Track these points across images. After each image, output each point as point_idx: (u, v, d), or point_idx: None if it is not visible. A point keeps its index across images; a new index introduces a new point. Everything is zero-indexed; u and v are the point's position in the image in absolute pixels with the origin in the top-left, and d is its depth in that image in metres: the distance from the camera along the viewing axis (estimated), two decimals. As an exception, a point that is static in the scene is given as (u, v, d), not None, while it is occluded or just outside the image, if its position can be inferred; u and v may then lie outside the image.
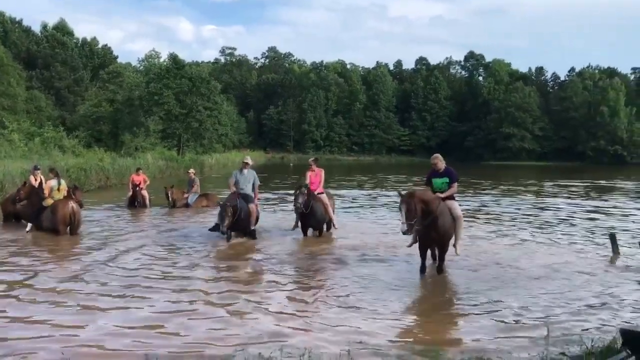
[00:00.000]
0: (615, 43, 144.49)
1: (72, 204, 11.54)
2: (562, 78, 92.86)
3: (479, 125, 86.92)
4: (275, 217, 14.77)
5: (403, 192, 7.92)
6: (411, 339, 5.79)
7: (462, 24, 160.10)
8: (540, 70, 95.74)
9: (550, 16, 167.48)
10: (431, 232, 8.08)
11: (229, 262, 9.22)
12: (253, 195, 11.60)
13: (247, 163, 11.77)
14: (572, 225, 14.24)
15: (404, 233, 7.68)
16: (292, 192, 12.72)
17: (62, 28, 57.99)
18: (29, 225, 11.96)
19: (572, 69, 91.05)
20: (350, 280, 8.03)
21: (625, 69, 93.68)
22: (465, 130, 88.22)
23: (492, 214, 16.30)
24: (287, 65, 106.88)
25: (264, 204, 16.35)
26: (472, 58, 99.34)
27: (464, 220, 9.23)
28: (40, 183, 12.86)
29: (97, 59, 59.06)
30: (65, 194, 11.94)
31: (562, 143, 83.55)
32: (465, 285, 7.89)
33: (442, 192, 8.40)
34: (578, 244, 11.35)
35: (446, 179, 8.54)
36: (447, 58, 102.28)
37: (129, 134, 38.66)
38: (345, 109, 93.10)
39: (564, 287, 7.79)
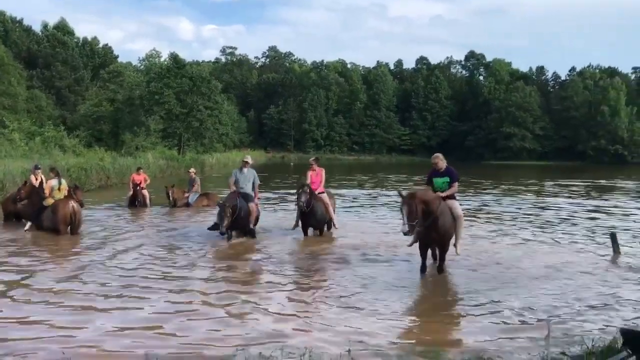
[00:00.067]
0: (615, 43, 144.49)
1: (72, 204, 11.53)
2: (563, 78, 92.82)
3: (480, 125, 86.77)
4: (276, 216, 14.75)
5: (404, 193, 7.90)
6: (412, 339, 5.78)
7: (462, 23, 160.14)
8: (540, 69, 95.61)
9: (551, 16, 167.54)
10: (432, 232, 8.06)
11: (229, 262, 9.20)
12: (253, 194, 11.60)
13: (246, 162, 11.77)
14: (573, 224, 14.22)
15: (405, 234, 7.66)
16: (292, 191, 12.73)
17: (62, 27, 58.01)
18: (28, 223, 11.97)
19: (573, 69, 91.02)
20: (351, 280, 8.01)
21: (626, 68, 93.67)
22: (465, 130, 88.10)
23: (493, 214, 16.28)
24: (287, 64, 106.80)
25: (265, 204, 16.34)
26: (473, 58, 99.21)
27: (465, 220, 9.22)
28: (41, 182, 12.86)
29: (97, 58, 59.12)
30: (66, 194, 11.93)
31: (562, 142, 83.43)
32: (465, 285, 7.87)
33: (442, 192, 8.39)
34: (579, 243, 11.33)
35: (447, 179, 8.53)
36: (447, 58, 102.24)
37: (130, 133, 38.67)
38: (345, 109, 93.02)
39: (565, 286, 7.77)
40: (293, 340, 5.53)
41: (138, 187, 16.55)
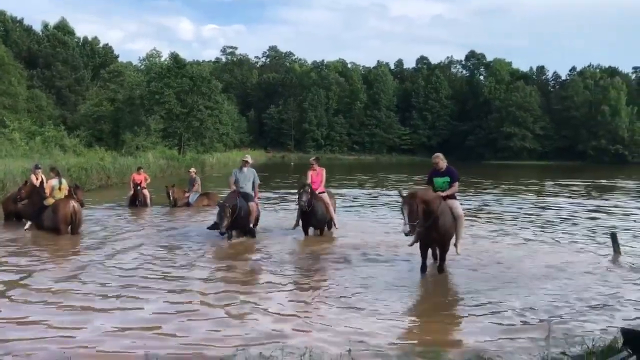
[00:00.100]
0: (615, 43, 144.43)
1: (73, 203, 11.53)
2: (563, 77, 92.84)
3: (480, 125, 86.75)
4: (276, 216, 14.75)
5: (404, 192, 7.89)
6: (412, 340, 5.77)
7: (463, 23, 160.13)
8: (541, 69, 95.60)
9: (551, 16, 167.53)
10: (432, 232, 8.05)
11: (228, 262, 9.18)
12: (253, 193, 11.59)
13: (246, 161, 11.76)
14: (574, 224, 14.20)
15: (406, 234, 7.64)
16: (293, 191, 12.72)
17: (63, 27, 58.09)
18: (28, 223, 11.97)
19: (573, 68, 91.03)
20: (351, 280, 7.99)
21: (626, 68, 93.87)
22: (466, 130, 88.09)
23: (493, 213, 16.27)
24: (287, 64, 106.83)
25: (265, 203, 16.32)
26: (473, 57, 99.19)
27: (465, 220, 9.21)
28: (42, 182, 12.85)
29: (98, 58, 59.21)
30: (67, 193, 11.93)
31: (563, 142, 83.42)
32: (466, 285, 7.86)
33: (443, 192, 8.38)
34: (579, 243, 11.31)
35: (447, 178, 8.52)
36: (448, 57, 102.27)
37: (130, 133, 38.65)
38: (346, 108, 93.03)
39: (566, 286, 7.75)
40: (293, 341, 5.51)
41: (138, 187, 16.54)
